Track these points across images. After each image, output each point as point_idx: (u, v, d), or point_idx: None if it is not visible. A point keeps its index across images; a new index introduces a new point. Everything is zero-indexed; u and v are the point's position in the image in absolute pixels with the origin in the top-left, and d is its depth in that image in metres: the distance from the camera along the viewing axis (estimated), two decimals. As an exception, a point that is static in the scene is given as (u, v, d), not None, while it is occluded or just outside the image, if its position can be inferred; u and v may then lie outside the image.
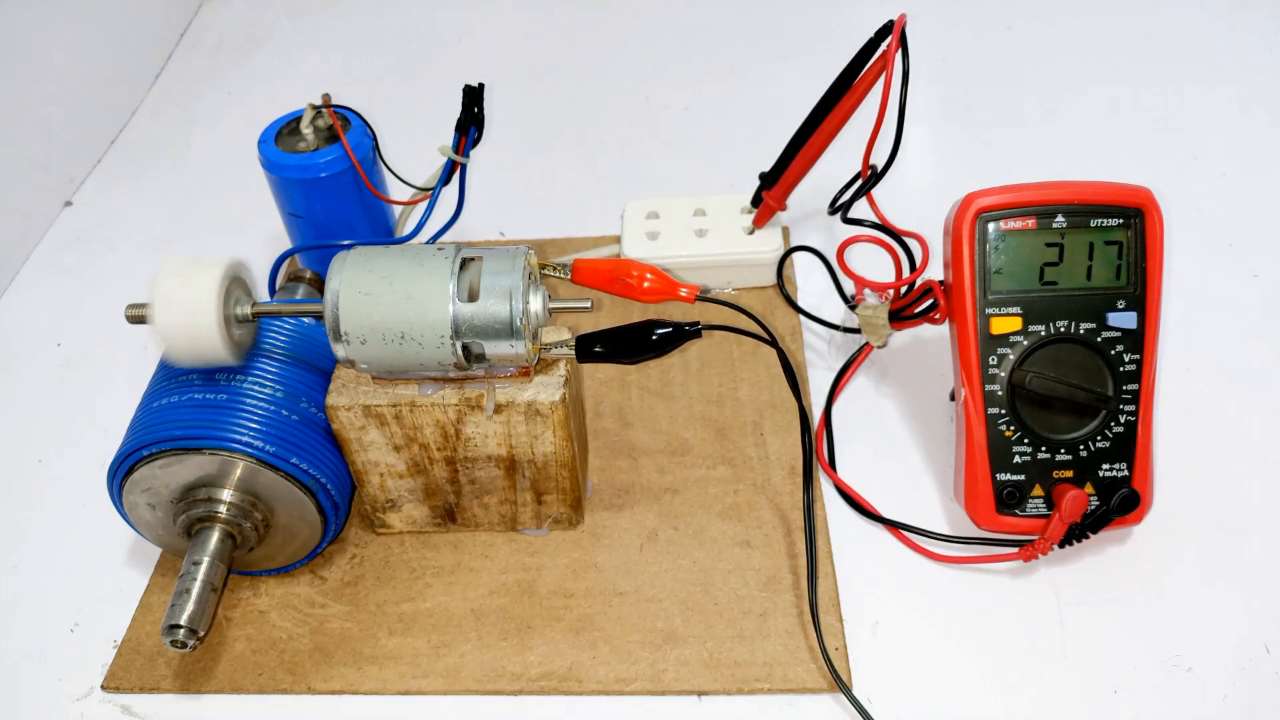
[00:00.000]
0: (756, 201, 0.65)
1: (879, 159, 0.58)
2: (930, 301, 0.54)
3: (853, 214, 0.61)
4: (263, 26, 1.02)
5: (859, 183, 0.59)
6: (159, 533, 0.51)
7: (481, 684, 0.49)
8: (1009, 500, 0.51)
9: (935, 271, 0.55)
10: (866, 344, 0.61)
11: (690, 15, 0.98)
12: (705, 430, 0.59)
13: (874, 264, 0.65)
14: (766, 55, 0.92)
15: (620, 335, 0.47)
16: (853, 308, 0.61)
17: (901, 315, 0.56)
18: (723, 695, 0.48)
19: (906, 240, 0.62)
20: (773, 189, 0.63)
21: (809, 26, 0.95)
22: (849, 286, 0.64)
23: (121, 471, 0.48)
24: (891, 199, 0.74)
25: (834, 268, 0.65)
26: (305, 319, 0.52)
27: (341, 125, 0.60)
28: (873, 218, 0.60)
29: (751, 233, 0.67)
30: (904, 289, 0.58)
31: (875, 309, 0.58)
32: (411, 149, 0.67)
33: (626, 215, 0.69)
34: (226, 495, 0.48)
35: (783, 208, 0.65)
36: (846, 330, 0.64)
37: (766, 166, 0.63)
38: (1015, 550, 0.51)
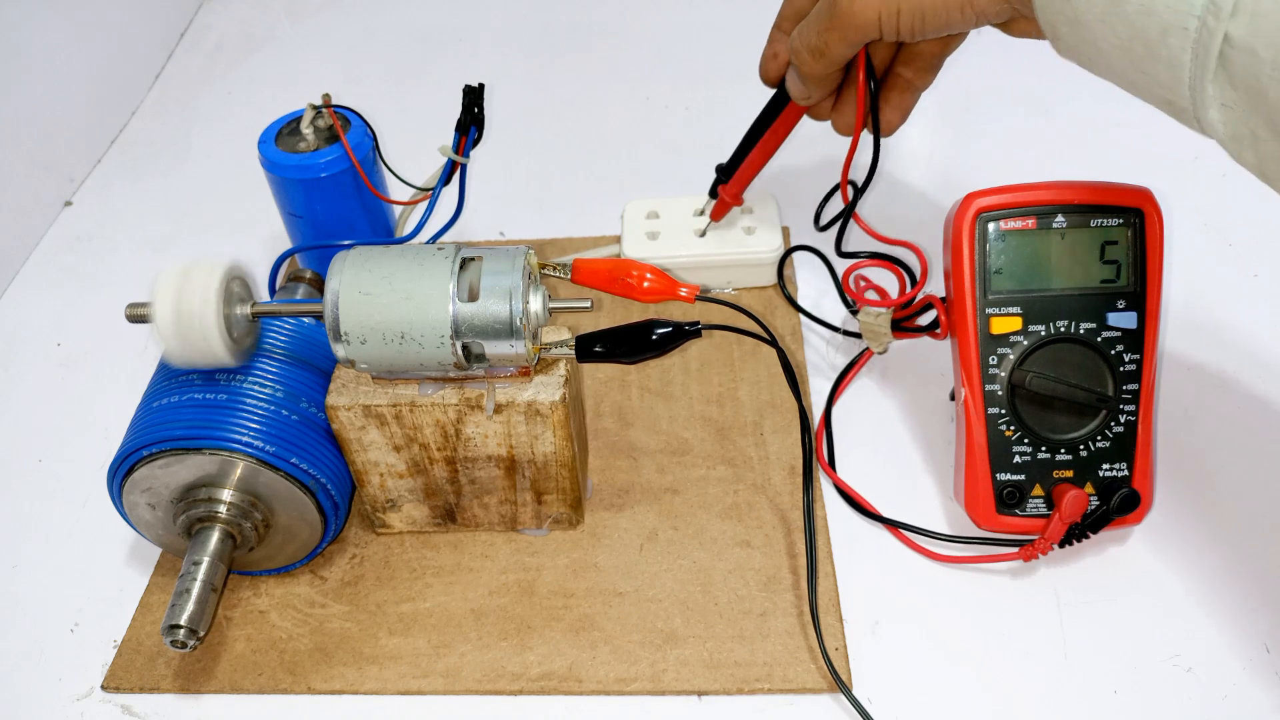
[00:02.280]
0: (714, 193, 0.65)
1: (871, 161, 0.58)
2: (934, 316, 0.54)
3: (847, 229, 0.61)
4: (263, 26, 1.02)
5: (843, 208, 0.59)
6: (159, 533, 0.51)
7: (481, 684, 0.49)
8: (1009, 500, 0.51)
9: (936, 283, 0.55)
10: (867, 349, 0.61)
11: (690, 15, 0.98)
12: (705, 430, 0.59)
13: (876, 267, 0.65)
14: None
15: (620, 335, 0.47)
16: (854, 312, 0.61)
17: (903, 326, 0.57)
18: (723, 695, 0.48)
19: (906, 253, 0.62)
20: (728, 183, 0.63)
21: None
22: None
23: (121, 471, 0.48)
24: (891, 200, 0.74)
25: (835, 270, 0.65)
26: (305, 319, 0.52)
27: (341, 125, 0.60)
28: (867, 236, 0.60)
29: (703, 233, 0.67)
30: (905, 303, 0.59)
31: (877, 316, 0.58)
32: (411, 149, 0.67)
33: (626, 215, 0.69)
34: (226, 495, 0.49)
35: (739, 203, 0.65)
36: (847, 334, 0.64)
37: (775, 168, 0.63)
38: (1015, 550, 0.51)
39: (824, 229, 0.63)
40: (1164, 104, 0.38)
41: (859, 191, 0.58)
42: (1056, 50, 0.41)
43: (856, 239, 0.62)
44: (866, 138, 0.54)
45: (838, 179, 0.60)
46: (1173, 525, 0.53)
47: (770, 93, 0.58)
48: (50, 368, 0.68)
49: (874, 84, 0.52)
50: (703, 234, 0.67)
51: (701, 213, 0.68)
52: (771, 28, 0.54)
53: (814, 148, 0.68)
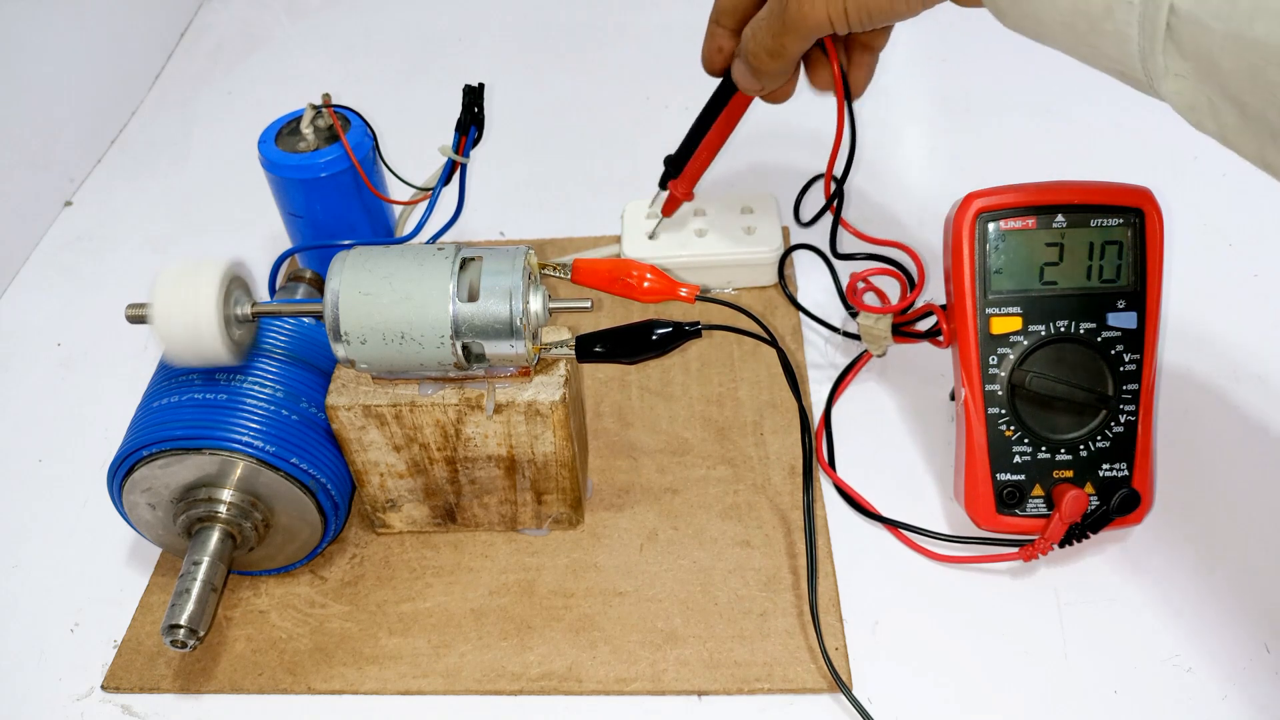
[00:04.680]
0: (664, 185, 0.64)
1: (860, 164, 0.58)
2: (934, 321, 0.54)
3: (838, 229, 0.62)
4: (263, 26, 1.02)
5: (827, 200, 0.60)
6: (159, 533, 0.51)
7: (481, 684, 0.49)
8: (1009, 500, 0.51)
9: (934, 286, 0.55)
10: (866, 351, 0.61)
11: (690, 15, 0.98)
12: (705, 430, 0.59)
13: (879, 274, 0.65)
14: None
15: (620, 335, 0.47)
16: (854, 314, 0.61)
17: (903, 331, 0.57)
18: (723, 695, 0.48)
19: (903, 255, 0.63)
20: (678, 179, 0.63)
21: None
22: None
23: (121, 471, 0.48)
24: (890, 200, 0.74)
25: (835, 270, 0.65)
26: (305, 319, 0.52)
27: (341, 125, 0.60)
28: (860, 242, 0.60)
29: (653, 235, 0.66)
30: (905, 308, 0.59)
31: (877, 321, 0.58)
32: (411, 149, 0.67)
33: (626, 215, 0.69)
34: (226, 495, 0.49)
35: (689, 198, 0.64)
36: (846, 334, 0.64)
37: (765, 167, 0.63)
38: (1015, 550, 0.51)
39: (808, 225, 0.63)
40: (1117, 75, 0.37)
41: (839, 183, 0.58)
42: (1002, 24, 0.41)
43: (848, 243, 0.62)
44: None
45: (840, 176, 0.60)
46: (1173, 525, 0.53)
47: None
48: (50, 368, 0.68)
49: (847, 86, 0.53)
50: (652, 235, 0.66)
51: (651, 205, 0.67)
52: (709, 22, 0.54)
53: (813, 149, 0.68)
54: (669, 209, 0.65)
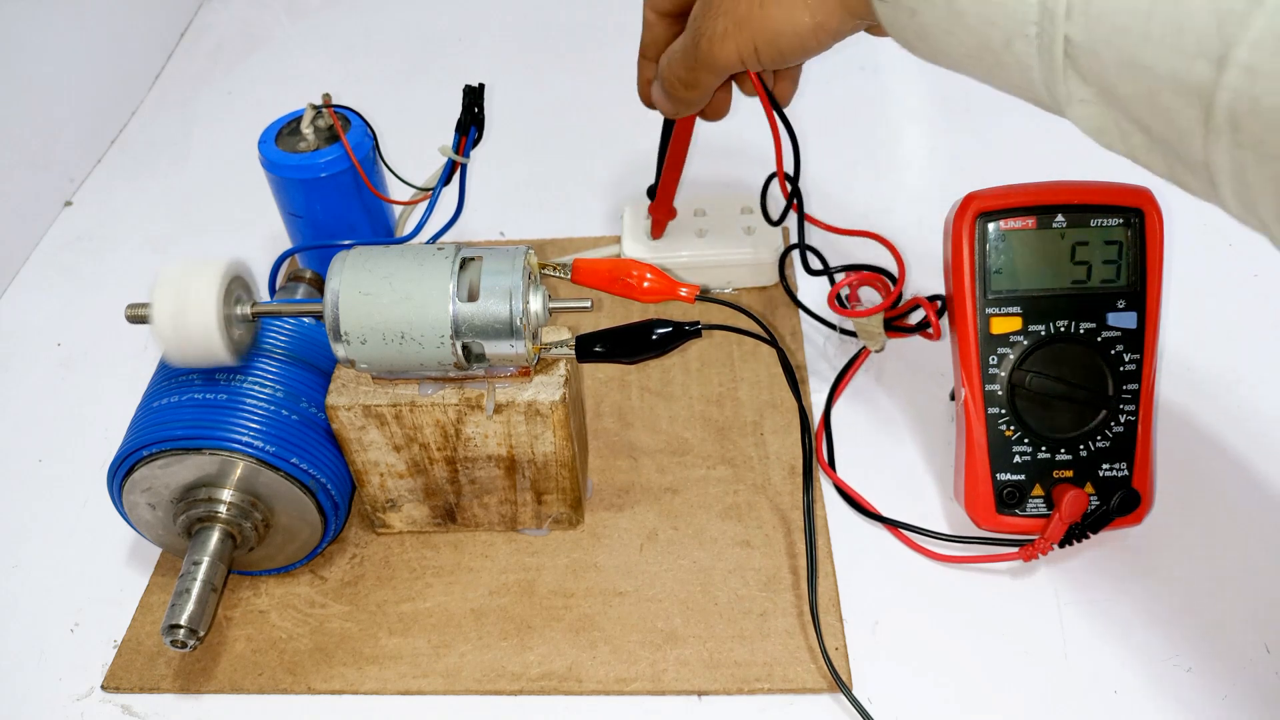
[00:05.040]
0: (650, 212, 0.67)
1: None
2: (922, 315, 0.54)
3: (805, 244, 0.62)
4: (263, 26, 1.02)
5: (787, 200, 0.59)
6: (159, 533, 0.51)
7: (481, 684, 0.49)
8: (1009, 500, 0.51)
9: (918, 277, 0.55)
10: (865, 348, 0.61)
11: (690, 15, 0.98)
12: (705, 430, 0.59)
13: (871, 258, 0.65)
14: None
15: (620, 335, 0.47)
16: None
17: (895, 325, 0.57)
18: (723, 695, 0.48)
19: (877, 246, 0.62)
20: (655, 201, 0.65)
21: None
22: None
23: (121, 471, 0.48)
24: (891, 199, 0.74)
25: (832, 269, 0.65)
26: (305, 319, 0.52)
27: (341, 125, 0.60)
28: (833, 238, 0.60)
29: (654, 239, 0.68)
30: (893, 302, 0.59)
31: (869, 318, 0.58)
32: (411, 149, 0.67)
33: (626, 215, 0.69)
34: (226, 495, 0.49)
35: (671, 215, 0.66)
36: (845, 333, 0.64)
37: (765, 167, 0.63)
38: (1015, 550, 0.51)
39: (776, 224, 0.64)
40: (1029, 100, 0.38)
41: (794, 180, 0.58)
42: (913, 55, 0.41)
43: (818, 239, 0.61)
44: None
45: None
46: (1173, 525, 0.53)
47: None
48: (50, 368, 0.68)
49: (780, 112, 0.53)
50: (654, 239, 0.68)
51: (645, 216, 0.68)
52: (638, 56, 0.55)
53: (814, 149, 0.68)
54: (656, 231, 0.67)
